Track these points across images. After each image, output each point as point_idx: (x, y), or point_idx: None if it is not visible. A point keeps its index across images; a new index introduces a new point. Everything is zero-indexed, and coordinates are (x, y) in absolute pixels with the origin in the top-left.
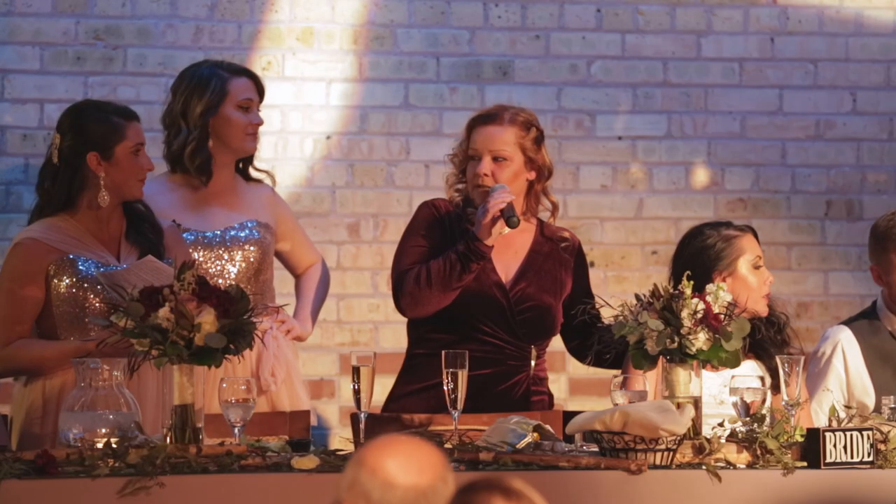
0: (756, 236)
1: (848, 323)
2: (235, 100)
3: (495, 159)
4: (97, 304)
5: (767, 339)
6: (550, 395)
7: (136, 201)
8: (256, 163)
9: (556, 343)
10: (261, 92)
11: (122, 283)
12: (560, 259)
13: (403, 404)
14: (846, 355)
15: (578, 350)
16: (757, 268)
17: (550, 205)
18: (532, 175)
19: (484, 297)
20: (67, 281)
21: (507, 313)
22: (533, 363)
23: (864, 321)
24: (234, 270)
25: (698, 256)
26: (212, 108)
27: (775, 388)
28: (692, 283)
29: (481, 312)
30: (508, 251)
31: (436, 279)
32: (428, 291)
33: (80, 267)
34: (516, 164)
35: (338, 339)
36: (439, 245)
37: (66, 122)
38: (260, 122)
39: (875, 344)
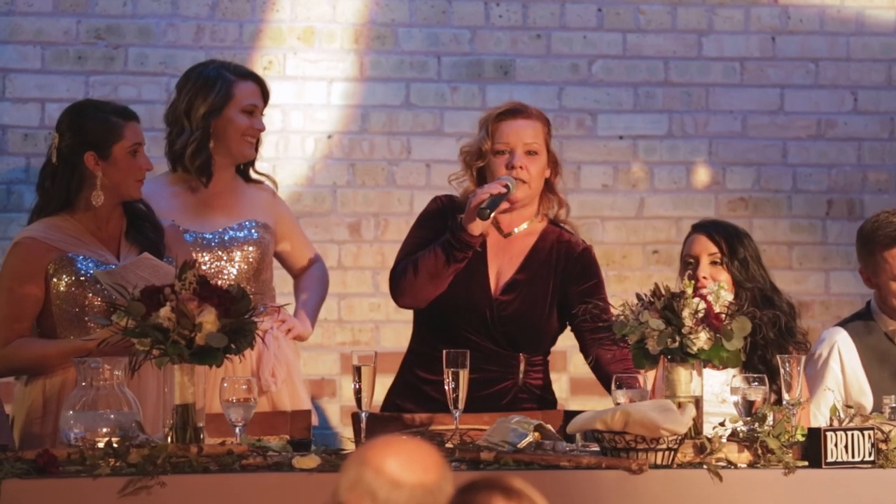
0: (709, 235)
1: (843, 324)
2: (240, 104)
3: (527, 153)
4: (97, 303)
5: (768, 341)
6: (553, 402)
7: (137, 200)
8: (258, 163)
9: (558, 342)
10: (266, 97)
11: (121, 281)
12: (557, 264)
13: (398, 398)
14: (843, 357)
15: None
16: (688, 266)
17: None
18: (548, 172)
19: (470, 304)
20: (67, 280)
21: (489, 324)
22: (521, 372)
23: (859, 322)
24: (234, 271)
25: None
26: (215, 110)
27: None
28: (692, 283)
29: (465, 320)
30: (506, 255)
31: (422, 269)
32: (415, 281)
33: (80, 266)
34: (543, 159)
35: (339, 339)
36: (438, 237)
37: (64, 122)
38: (262, 129)
39: (871, 344)
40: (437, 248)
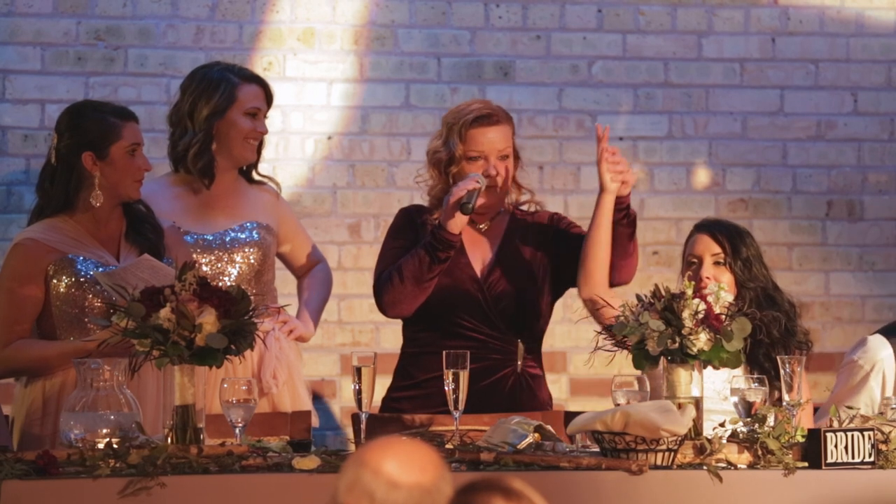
0: (712, 235)
1: (888, 334)
2: (243, 107)
3: (499, 158)
4: (97, 305)
5: (773, 340)
6: (549, 395)
7: (136, 201)
8: (259, 166)
9: (556, 343)
10: (269, 100)
11: (120, 282)
12: (536, 239)
13: (396, 403)
14: (886, 377)
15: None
16: (691, 266)
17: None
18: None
19: (460, 292)
20: (67, 281)
21: (483, 306)
22: (520, 359)
23: None
24: (235, 272)
25: None
26: (218, 112)
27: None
28: (692, 283)
29: (459, 307)
30: (482, 244)
31: (407, 275)
32: (402, 288)
33: (79, 267)
34: (511, 160)
35: (339, 340)
36: (414, 245)
37: (63, 122)
38: (264, 132)
39: None
40: (420, 250)
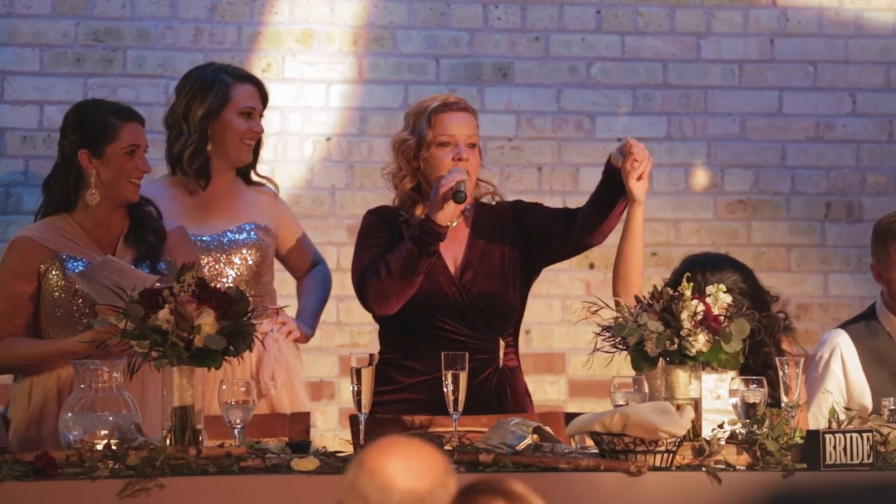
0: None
1: (845, 326)
2: (237, 107)
3: (468, 146)
4: (81, 304)
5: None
6: (524, 386)
7: (146, 203)
8: (257, 166)
9: (555, 344)
10: (264, 100)
11: (91, 282)
12: (502, 230)
13: (381, 408)
14: (844, 358)
15: (586, 225)
16: None
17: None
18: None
19: (438, 294)
20: (56, 280)
21: (462, 307)
22: (501, 356)
23: (861, 324)
24: (233, 274)
25: None
26: (213, 112)
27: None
28: (691, 285)
29: (438, 311)
30: (454, 243)
31: (396, 268)
32: (390, 282)
33: (69, 267)
34: (478, 152)
35: (337, 341)
36: (391, 243)
37: (67, 120)
38: (260, 131)
39: (871, 346)
40: (408, 244)
